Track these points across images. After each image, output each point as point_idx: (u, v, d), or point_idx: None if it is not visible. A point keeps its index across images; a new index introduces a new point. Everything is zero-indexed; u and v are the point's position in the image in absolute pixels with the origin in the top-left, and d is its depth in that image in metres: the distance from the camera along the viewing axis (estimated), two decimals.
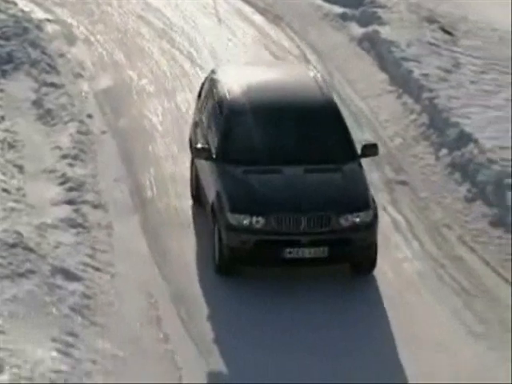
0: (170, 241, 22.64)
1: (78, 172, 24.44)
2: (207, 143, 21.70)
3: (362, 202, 19.97)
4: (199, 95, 24.21)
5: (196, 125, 23.37)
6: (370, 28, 29.93)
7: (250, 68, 25.84)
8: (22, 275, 19.60)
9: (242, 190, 20.50)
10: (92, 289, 20.36)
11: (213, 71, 23.89)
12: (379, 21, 30.05)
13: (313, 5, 31.65)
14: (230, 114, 21.65)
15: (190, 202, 23.78)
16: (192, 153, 22.94)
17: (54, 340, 17.71)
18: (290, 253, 19.64)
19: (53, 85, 28.11)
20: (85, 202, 23.36)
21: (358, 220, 19.62)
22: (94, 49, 30.18)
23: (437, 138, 25.75)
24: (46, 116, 26.66)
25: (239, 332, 19.79)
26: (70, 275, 20.35)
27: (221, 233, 20.00)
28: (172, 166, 25.36)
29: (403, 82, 27.79)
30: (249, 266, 20.64)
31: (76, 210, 22.90)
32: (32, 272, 19.70)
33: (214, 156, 21.14)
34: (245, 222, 19.62)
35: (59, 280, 20.03)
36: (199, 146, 21.36)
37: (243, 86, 22.51)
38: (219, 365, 18.93)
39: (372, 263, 20.39)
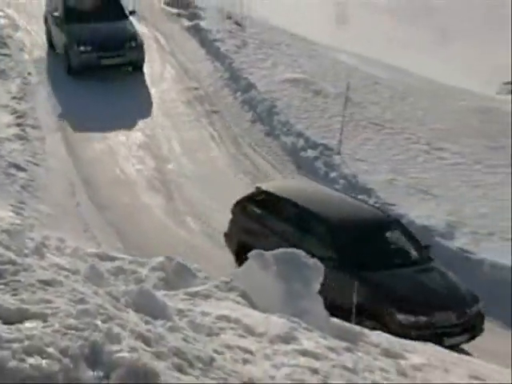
0: (80, 148, 22.29)
1: (23, 107, 23.93)
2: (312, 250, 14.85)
3: (474, 295, 16.23)
4: (243, 207, 17.69)
5: (266, 235, 16.93)
6: (195, 22, 29.58)
7: (301, 184, 19.35)
8: None
9: (398, 292, 15.95)
10: (34, 175, 20.17)
11: (261, 188, 17.72)
12: (200, 17, 29.78)
13: (159, 8, 31.10)
14: (337, 232, 16.47)
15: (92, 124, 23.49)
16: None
17: (11, 205, 17.52)
18: (446, 341, 15.28)
19: (5, 55, 27.23)
20: (27, 125, 22.95)
21: (477, 309, 15.92)
22: (31, 35, 29.24)
23: (234, 86, 25.54)
24: (1, 74, 25.99)
25: None
26: (19, 168, 20.19)
27: (388, 326, 14.99)
28: (83, 104, 24.82)
29: (214, 54, 27.38)
30: None
31: (22, 129, 22.53)
32: None
33: (338, 263, 15.89)
34: (412, 319, 15.46)
35: (13, 170, 19.91)
36: (320, 255, 14.04)
37: (323, 204, 17.18)
38: (110, 214, 18.98)
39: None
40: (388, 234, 17.35)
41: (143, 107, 24.62)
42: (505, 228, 18.85)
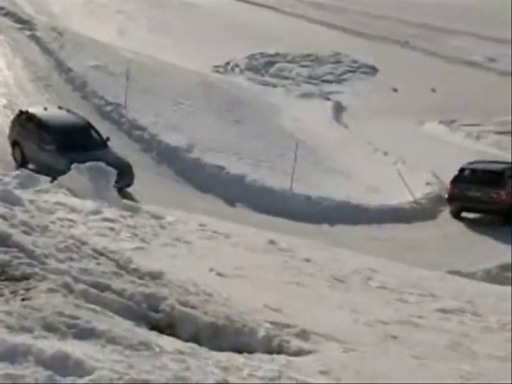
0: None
1: None
2: None
3: None
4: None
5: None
6: (32, 32, 26.82)
7: None
8: None
9: None
10: None
11: None
12: (36, 29, 27.20)
13: (10, 24, 28.13)
14: None
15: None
16: None
17: None
18: None
19: None
20: None
21: None
22: None
23: (59, 69, 23.69)
24: None
25: None
26: None
27: None
28: None
29: (46, 51, 25.07)
30: None
31: None
32: None
33: None
34: None
35: None
36: None
37: None
38: None
39: None
40: None
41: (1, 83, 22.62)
42: (216, 146, 19.29)
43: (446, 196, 16.18)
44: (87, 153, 15.51)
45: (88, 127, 17.22)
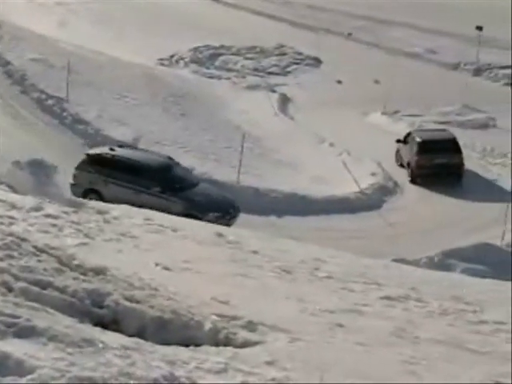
0: None
1: None
2: None
3: None
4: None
5: None
6: None
7: None
8: None
9: None
10: None
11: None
12: None
13: None
14: None
15: None
16: None
17: None
18: None
19: None
20: None
21: None
22: None
23: (0, 65, 23.21)
24: None
25: None
26: None
27: None
28: None
29: None
30: None
31: None
32: None
33: None
34: None
35: None
36: None
37: None
38: None
39: None
40: None
41: None
42: (162, 139, 19.13)
43: (415, 166, 18.20)
44: (192, 190, 14.43)
45: (175, 166, 15.48)
